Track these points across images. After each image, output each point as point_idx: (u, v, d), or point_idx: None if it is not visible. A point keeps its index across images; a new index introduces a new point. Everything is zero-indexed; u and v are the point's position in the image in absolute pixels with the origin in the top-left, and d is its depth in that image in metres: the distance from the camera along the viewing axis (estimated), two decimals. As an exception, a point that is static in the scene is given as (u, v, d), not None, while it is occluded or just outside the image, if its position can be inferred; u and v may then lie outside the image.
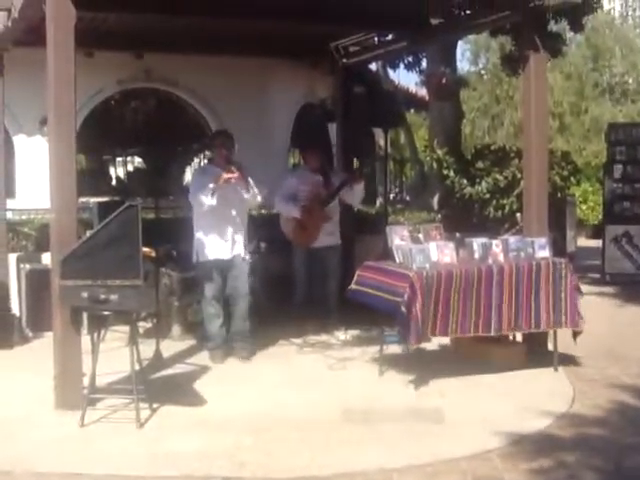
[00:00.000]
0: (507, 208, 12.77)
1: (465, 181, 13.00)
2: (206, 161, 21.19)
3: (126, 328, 6.88)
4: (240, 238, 8.02)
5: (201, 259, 8.03)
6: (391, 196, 21.40)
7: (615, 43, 34.16)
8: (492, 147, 13.86)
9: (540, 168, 8.00)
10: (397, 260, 7.27)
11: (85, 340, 6.47)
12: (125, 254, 5.98)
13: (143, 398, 6.23)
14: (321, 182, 9.12)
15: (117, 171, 26.14)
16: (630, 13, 44.16)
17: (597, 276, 13.60)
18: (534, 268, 7.37)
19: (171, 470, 5.28)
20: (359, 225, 10.66)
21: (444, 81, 14.02)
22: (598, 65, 34.03)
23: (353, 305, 7.90)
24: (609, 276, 13.54)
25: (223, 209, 7.88)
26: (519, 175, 11.43)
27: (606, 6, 32.47)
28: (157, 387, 6.74)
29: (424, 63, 17.78)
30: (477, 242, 7.45)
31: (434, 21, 9.37)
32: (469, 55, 35.12)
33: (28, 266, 9.26)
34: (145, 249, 6.58)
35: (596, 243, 15.41)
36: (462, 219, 12.58)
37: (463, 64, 35.46)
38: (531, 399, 6.67)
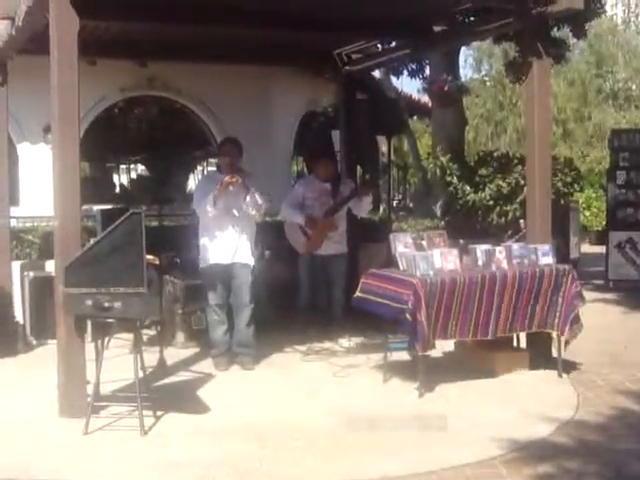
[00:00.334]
0: (510, 215, 12.80)
1: (468, 188, 13.03)
2: (210, 169, 21.27)
3: (130, 336, 6.88)
4: (244, 245, 8.00)
5: (204, 265, 8.04)
6: (394, 203, 21.43)
7: (618, 49, 34.20)
8: (495, 154, 13.90)
9: (543, 175, 8.00)
10: (401, 267, 7.27)
11: (89, 348, 6.48)
12: (129, 262, 5.98)
13: (147, 406, 6.22)
14: (329, 191, 9.11)
15: (121, 178, 26.21)
16: (633, 19, 44.20)
17: (601, 282, 13.59)
18: (537, 275, 7.37)
19: (175, 478, 5.28)
20: (362, 232, 10.65)
21: (446, 88, 14.02)
22: (601, 71, 34.06)
23: (357, 312, 7.90)
24: (613, 282, 13.53)
25: (226, 216, 7.88)
26: (522, 182, 11.46)
27: (609, 12, 32.42)
28: (161, 395, 6.73)
29: (427, 70, 17.82)
30: (480, 249, 7.45)
31: (437, 28, 9.38)
32: (472, 62, 35.16)
33: (32, 274, 9.26)
34: (149, 256, 6.58)
35: (600, 249, 15.39)
36: (465, 226, 12.60)
37: (466, 71, 35.52)
38: (535, 406, 6.66)
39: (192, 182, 24.14)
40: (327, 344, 8.87)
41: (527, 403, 6.74)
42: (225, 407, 6.65)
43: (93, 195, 13.61)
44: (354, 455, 5.61)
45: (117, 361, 7.22)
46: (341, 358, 8.34)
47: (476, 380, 7.30)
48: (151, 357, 7.55)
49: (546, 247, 7.66)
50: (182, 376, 7.73)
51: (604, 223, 15.98)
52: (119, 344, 7.76)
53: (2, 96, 9.18)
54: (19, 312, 9.25)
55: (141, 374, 6.34)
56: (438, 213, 14.57)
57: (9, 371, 8.01)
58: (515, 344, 7.99)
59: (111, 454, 5.66)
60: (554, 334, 7.60)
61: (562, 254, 10.26)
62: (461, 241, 8.12)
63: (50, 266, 8.47)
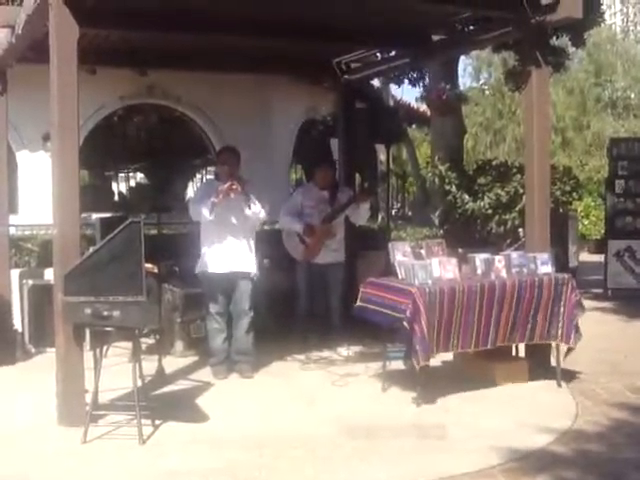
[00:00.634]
0: (509, 223, 12.80)
1: (467, 196, 13.02)
2: (209, 177, 21.28)
3: (129, 344, 6.86)
4: (243, 253, 8.00)
5: (205, 273, 8.04)
6: (393, 212, 21.45)
7: (617, 58, 34.30)
8: (494, 162, 13.90)
9: (542, 183, 8.00)
10: (399, 276, 7.26)
11: (88, 356, 6.48)
12: (128, 270, 5.98)
13: (145, 414, 6.22)
14: (326, 198, 9.11)
15: (120, 187, 26.21)
16: (632, 28, 44.31)
17: (599, 291, 13.59)
18: (537, 284, 7.37)
19: (174, 487, 5.28)
20: (361, 241, 10.65)
21: (445, 97, 14.04)
22: (600, 80, 34.15)
23: (355, 321, 7.91)
24: (611, 291, 13.54)
25: (225, 224, 7.88)
26: (521, 190, 11.45)
27: (608, 21, 32.51)
28: (159, 403, 6.72)
29: (428, 79, 17.83)
30: (479, 258, 7.45)
31: (436, 37, 9.40)
32: (471, 70, 35.24)
33: (31, 282, 9.25)
34: (148, 265, 6.58)
35: (598, 258, 15.39)
36: (464, 234, 12.60)
37: (465, 79, 35.57)
38: (534, 415, 6.65)
39: (191, 190, 24.15)
40: (326, 353, 8.87)
41: (526, 412, 6.74)
42: (224, 416, 6.65)
43: (92, 203, 13.57)
44: (353, 464, 5.60)
45: (116, 370, 7.21)
46: (340, 367, 8.34)
47: (475, 389, 7.29)
48: (150, 366, 7.53)
49: (545, 256, 7.66)
50: (181, 385, 7.72)
51: (603, 232, 15.99)
52: (118, 352, 7.75)
53: (2, 104, 9.17)
54: (18, 320, 9.23)
55: (140, 383, 6.33)
56: (437, 222, 14.56)
57: (8, 379, 8.00)
58: (514, 353, 7.99)
59: (109, 463, 5.65)
60: (554, 344, 7.60)
61: (561, 263, 10.24)
62: (460, 250, 8.12)
63: (49, 274, 8.48)
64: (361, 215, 9.23)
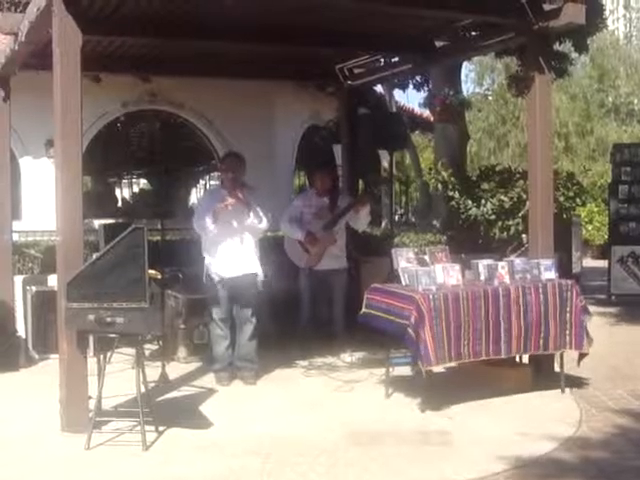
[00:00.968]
0: (512, 229, 12.75)
1: (470, 202, 12.97)
2: (212, 182, 21.30)
3: (132, 350, 6.87)
4: (247, 261, 7.99)
5: (209, 279, 8.03)
6: (396, 217, 21.43)
7: (620, 64, 34.27)
8: (497, 168, 13.86)
9: (545, 189, 8.00)
10: (403, 282, 7.26)
11: (91, 362, 6.48)
12: (131, 276, 5.98)
13: (149, 421, 6.21)
14: (327, 205, 9.09)
15: (123, 193, 26.24)
16: (635, 34, 44.27)
17: (603, 297, 13.58)
18: (540, 290, 7.35)
19: (177, 493, 5.28)
20: (365, 247, 10.65)
21: (447, 102, 14.04)
22: (603, 86, 34.11)
23: (359, 327, 7.89)
24: (615, 297, 13.53)
25: (228, 232, 7.88)
26: (524, 196, 11.42)
27: (610, 27, 32.51)
28: (163, 410, 6.72)
29: (431, 84, 17.83)
30: (483, 264, 7.44)
31: (439, 43, 9.40)
32: (474, 76, 35.20)
33: (34, 288, 9.25)
34: (151, 271, 6.59)
35: (602, 263, 15.39)
36: (467, 240, 12.57)
37: (468, 85, 35.55)
38: (538, 422, 6.64)
39: (194, 196, 24.17)
40: (329, 359, 8.86)
41: (530, 419, 6.72)
42: (227, 422, 6.64)
43: (95, 209, 13.62)
44: (357, 470, 5.59)
45: (119, 376, 7.21)
46: (343, 373, 8.33)
47: (479, 396, 7.26)
48: (153, 372, 7.54)
49: (548, 262, 7.64)
50: (184, 391, 7.71)
51: (606, 237, 15.99)
52: (121, 359, 7.75)
53: (5, 111, 9.18)
54: (21, 327, 9.24)
55: (143, 389, 6.32)
56: (440, 228, 14.54)
57: (11, 385, 8.00)
58: (517, 360, 7.97)
59: (113, 469, 5.64)
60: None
61: (564, 268, 10.23)
62: (463, 256, 8.11)
63: (52, 281, 8.49)
64: (361, 220, 9.20)
